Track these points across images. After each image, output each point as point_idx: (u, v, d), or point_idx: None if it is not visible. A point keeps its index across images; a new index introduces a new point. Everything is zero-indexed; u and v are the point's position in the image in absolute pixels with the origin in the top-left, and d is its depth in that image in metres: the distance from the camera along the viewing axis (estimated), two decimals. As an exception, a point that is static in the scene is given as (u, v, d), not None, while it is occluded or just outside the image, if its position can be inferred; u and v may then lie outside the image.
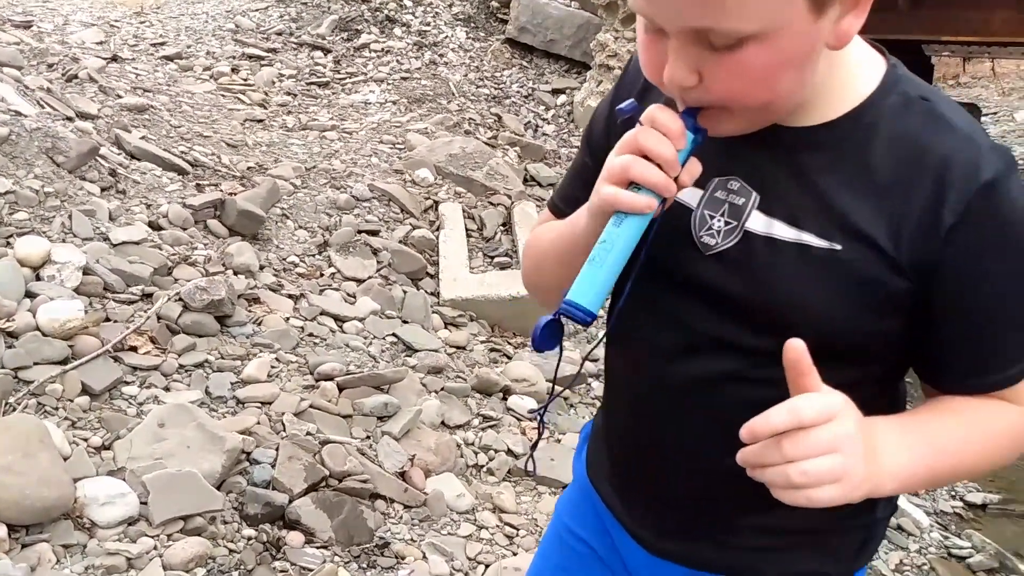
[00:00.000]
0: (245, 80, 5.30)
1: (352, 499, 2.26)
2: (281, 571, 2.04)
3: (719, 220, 0.86)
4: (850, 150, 0.82)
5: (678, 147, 0.80)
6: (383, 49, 5.93)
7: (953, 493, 3.46)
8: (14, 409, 2.12)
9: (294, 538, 2.12)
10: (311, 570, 2.06)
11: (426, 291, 3.57)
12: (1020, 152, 10.31)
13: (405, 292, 3.47)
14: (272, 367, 2.67)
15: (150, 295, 2.72)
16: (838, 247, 0.81)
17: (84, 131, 3.47)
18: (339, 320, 3.13)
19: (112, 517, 1.96)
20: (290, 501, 2.17)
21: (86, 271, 2.63)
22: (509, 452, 2.80)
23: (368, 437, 2.56)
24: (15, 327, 2.31)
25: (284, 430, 2.40)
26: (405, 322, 3.30)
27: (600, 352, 1.06)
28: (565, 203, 1.05)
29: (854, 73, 0.84)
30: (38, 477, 1.88)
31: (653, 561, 1.00)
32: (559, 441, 2.96)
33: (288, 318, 2.99)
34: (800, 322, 0.82)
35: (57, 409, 2.20)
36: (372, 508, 2.32)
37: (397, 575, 2.17)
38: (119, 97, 4.16)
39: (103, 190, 3.20)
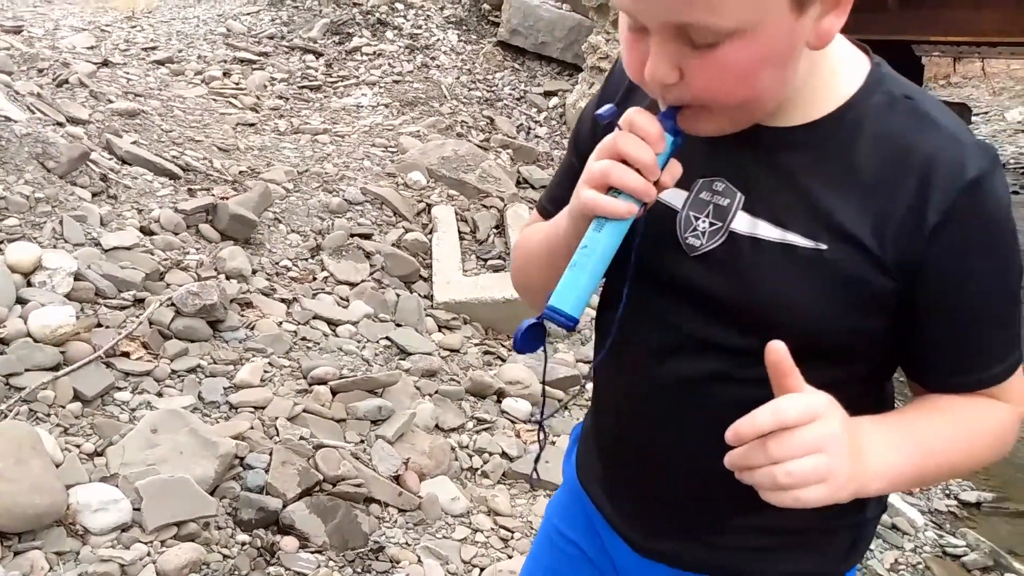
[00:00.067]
0: (237, 84, 5.29)
1: (346, 503, 2.25)
2: (275, 576, 2.03)
3: (704, 221, 0.86)
4: (834, 150, 0.82)
5: (657, 150, 0.80)
6: (375, 52, 5.94)
7: (947, 492, 3.47)
8: (5, 416, 2.11)
9: (288, 543, 2.11)
10: (306, 575, 2.05)
11: (419, 294, 3.57)
12: (1012, 151, 10.36)
13: (398, 295, 3.47)
14: (265, 371, 2.67)
15: (142, 300, 2.71)
16: (823, 247, 0.81)
17: (75, 136, 3.46)
18: (332, 324, 3.13)
19: (105, 524, 1.95)
20: (284, 506, 2.16)
21: (77, 277, 2.62)
22: (503, 455, 2.79)
23: (362, 441, 2.55)
24: (6, 333, 2.30)
25: (277, 435, 2.39)
26: (398, 325, 3.29)
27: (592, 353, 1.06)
28: (553, 204, 1.05)
29: (837, 72, 0.84)
30: (30, 484, 1.87)
31: (642, 562, 1.00)
32: (553, 443, 2.95)
33: (281, 322, 2.98)
34: (785, 322, 0.82)
35: (49, 415, 2.19)
36: (366, 512, 2.31)
37: (392, 579, 2.17)
38: (110, 102, 4.15)
39: (94, 195, 3.19)
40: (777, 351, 0.73)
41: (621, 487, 1.02)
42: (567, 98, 5.77)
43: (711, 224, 0.86)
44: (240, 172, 3.92)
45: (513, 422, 3.00)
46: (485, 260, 3.99)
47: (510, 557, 2.36)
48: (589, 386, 1.10)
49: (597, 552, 1.07)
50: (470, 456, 2.76)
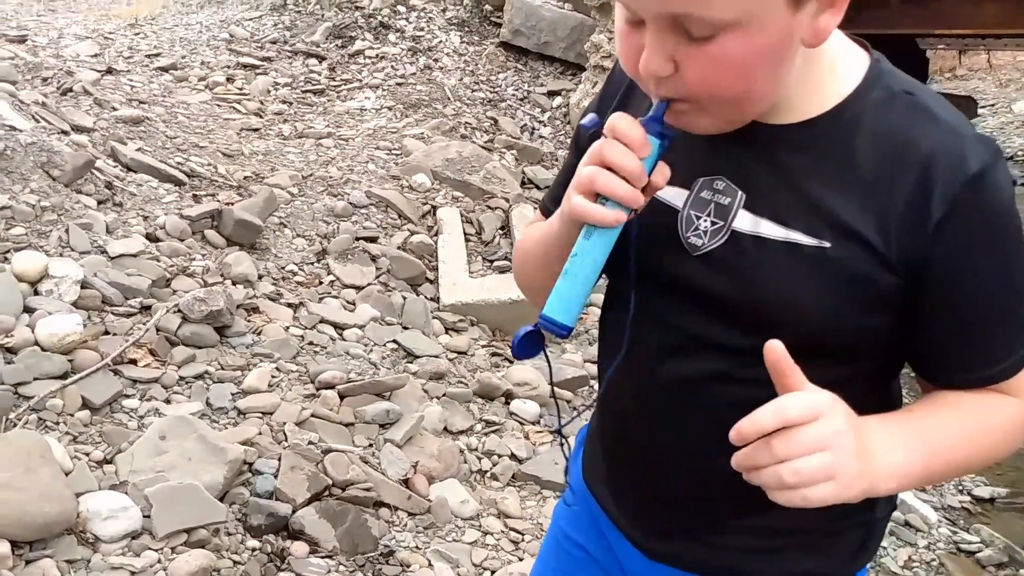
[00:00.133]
0: (240, 89, 5.30)
1: (356, 508, 2.25)
2: (286, 582, 2.03)
3: (705, 220, 0.86)
4: (834, 147, 0.82)
5: (641, 155, 0.79)
6: (378, 55, 5.94)
7: (960, 488, 3.45)
8: (14, 425, 2.11)
9: (298, 548, 2.11)
10: (316, 580, 2.05)
11: (426, 296, 3.56)
12: (1019, 143, 10.31)
13: (405, 298, 3.46)
14: (272, 377, 2.66)
15: (149, 307, 2.71)
16: (827, 244, 0.80)
17: (80, 144, 3.47)
18: (339, 328, 3.12)
19: (115, 531, 1.95)
20: (293, 511, 2.16)
21: (84, 285, 2.62)
22: (512, 457, 2.79)
23: (370, 445, 2.55)
24: (14, 343, 2.30)
25: (286, 440, 2.39)
26: (405, 328, 3.29)
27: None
28: (555, 204, 1.05)
29: (837, 69, 0.83)
30: (40, 493, 1.87)
31: (649, 564, 1.00)
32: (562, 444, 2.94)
33: (288, 327, 2.98)
34: (789, 320, 0.81)
35: (58, 424, 2.20)
36: (376, 516, 2.31)
37: (403, 583, 2.16)
38: (114, 109, 4.16)
39: (100, 203, 3.20)
40: (775, 350, 0.73)
41: (625, 488, 1.02)
42: (570, 98, 5.76)
43: (712, 223, 0.85)
44: (245, 177, 3.92)
45: (522, 424, 3.00)
46: (491, 261, 3.98)
47: (520, 559, 2.36)
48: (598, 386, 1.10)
49: (604, 554, 1.07)
50: (479, 458, 2.75)
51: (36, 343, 2.34)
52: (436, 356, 3.14)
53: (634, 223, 0.82)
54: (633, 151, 0.79)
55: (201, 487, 2.05)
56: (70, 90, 4.17)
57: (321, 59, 5.91)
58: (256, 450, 2.29)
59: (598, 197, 0.80)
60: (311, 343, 2.96)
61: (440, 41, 6.22)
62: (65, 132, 3.55)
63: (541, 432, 2.98)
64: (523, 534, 2.48)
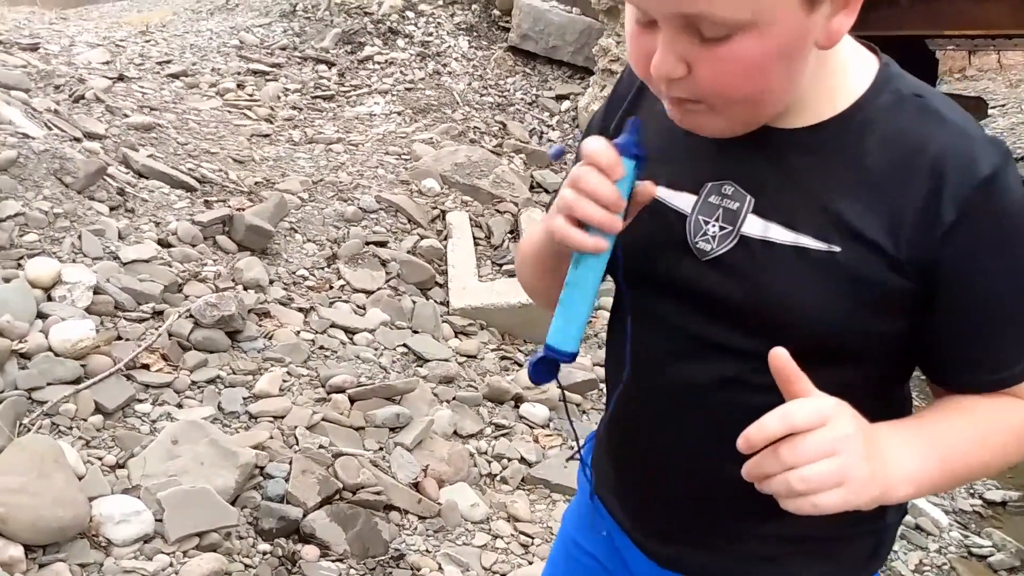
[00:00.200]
0: (251, 96, 5.33)
1: (366, 511, 2.26)
2: (297, 585, 2.04)
3: (714, 225, 0.85)
4: (844, 150, 0.82)
5: (614, 178, 0.80)
6: (387, 61, 5.96)
7: (972, 491, 3.43)
8: (28, 430, 2.13)
9: (309, 552, 2.12)
10: (327, 584, 2.06)
11: (435, 301, 3.57)
12: (1032, 145, 10.23)
13: (414, 302, 3.48)
14: (284, 381, 2.68)
15: (161, 312, 2.73)
16: (837, 249, 0.80)
17: (92, 151, 3.50)
18: (349, 332, 3.14)
19: (128, 535, 1.96)
20: (304, 515, 2.17)
21: (97, 290, 2.64)
22: (522, 460, 2.79)
23: (381, 448, 2.56)
24: (28, 348, 2.32)
25: (297, 444, 2.40)
26: (415, 332, 3.30)
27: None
28: None
29: (846, 73, 0.83)
30: (53, 497, 1.89)
31: (658, 571, 1.00)
32: (572, 448, 2.95)
33: (299, 331, 2.99)
34: (798, 325, 0.81)
35: (71, 429, 2.21)
36: (386, 520, 2.31)
37: (413, 586, 2.17)
38: (126, 116, 4.19)
39: (112, 209, 3.22)
40: (780, 357, 0.73)
41: (633, 494, 1.02)
42: (579, 101, 5.77)
43: (721, 228, 0.85)
44: (256, 183, 3.94)
45: (531, 427, 3.00)
46: (500, 265, 3.99)
47: (530, 563, 2.36)
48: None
49: (614, 562, 1.07)
50: (489, 462, 2.76)
51: (49, 349, 2.36)
52: (446, 360, 3.15)
53: (618, 246, 0.83)
54: (607, 175, 0.79)
55: (213, 491, 2.07)
56: (82, 97, 4.20)
57: (331, 65, 5.94)
58: (267, 454, 2.30)
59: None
60: (322, 347, 2.97)
61: (449, 46, 6.24)
62: (77, 139, 3.58)
63: (551, 436, 2.98)
64: (533, 537, 2.48)
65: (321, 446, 2.41)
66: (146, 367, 2.51)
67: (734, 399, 0.87)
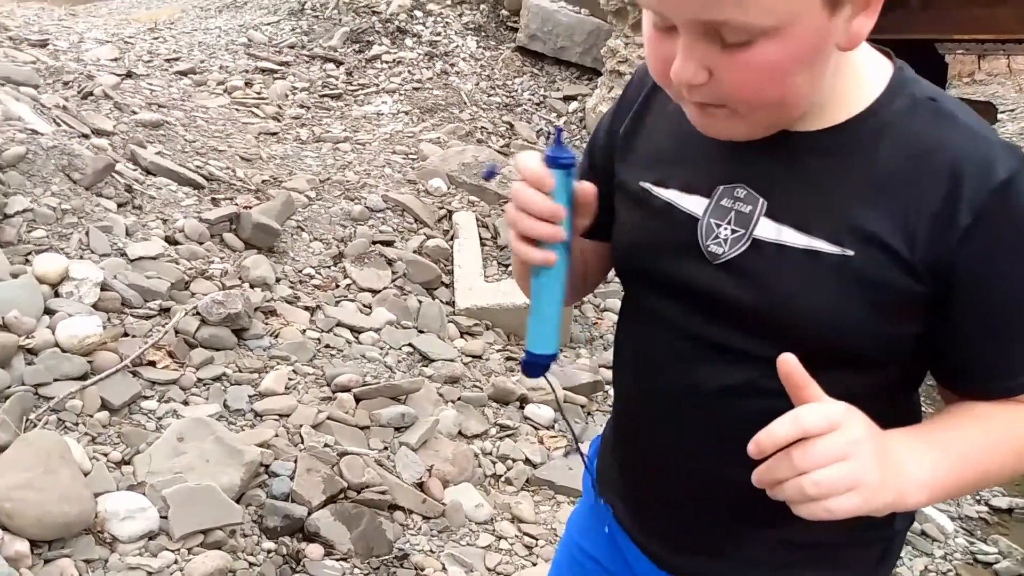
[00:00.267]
0: (259, 94, 5.33)
1: (371, 511, 2.26)
2: (301, 584, 2.04)
3: (726, 228, 0.85)
4: (858, 153, 0.81)
5: (545, 190, 0.82)
6: (394, 60, 5.96)
7: (978, 498, 3.42)
8: (35, 425, 2.14)
9: (313, 551, 2.12)
10: (331, 583, 2.06)
11: (441, 300, 3.57)
12: (1038, 149, 10.17)
13: (420, 302, 3.48)
14: (289, 379, 2.68)
15: (167, 310, 2.74)
16: (850, 252, 0.80)
17: (100, 148, 3.50)
18: (355, 331, 3.14)
19: (133, 532, 1.96)
20: (309, 513, 2.17)
21: (104, 287, 2.65)
22: (527, 461, 2.79)
23: (386, 448, 2.56)
24: (35, 344, 2.33)
25: (302, 442, 2.41)
26: (421, 332, 3.30)
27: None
28: None
29: (861, 76, 0.83)
30: (59, 493, 1.89)
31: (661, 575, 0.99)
32: (577, 450, 2.95)
33: (304, 330, 3.00)
34: (811, 330, 0.81)
35: (77, 425, 2.22)
36: (391, 519, 2.31)
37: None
38: (134, 113, 4.20)
39: (120, 206, 3.23)
40: (788, 363, 0.72)
41: (641, 499, 1.01)
42: (587, 102, 5.77)
43: (733, 231, 0.84)
44: (263, 181, 3.95)
45: (536, 428, 3.00)
46: (506, 266, 3.99)
47: (534, 564, 2.36)
48: (612, 391, 1.10)
49: (617, 564, 1.06)
50: (493, 463, 2.76)
51: (56, 345, 2.36)
52: (451, 360, 3.15)
53: (566, 251, 0.85)
54: (538, 187, 0.81)
55: (218, 488, 2.07)
56: (91, 94, 4.21)
57: (338, 64, 5.94)
58: (273, 452, 2.30)
59: None
60: (327, 346, 2.97)
61: (457, 46, 6.24)
62: (86, 136, 3.59)
63: (555, 437, 2.98)
64: (537, 539, 2.48)
65: (326, 445, 2.41)
66: (152, 364, 2.51)
67: (742, 404, 0.86)
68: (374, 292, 3.46)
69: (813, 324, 0.81)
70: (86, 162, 3.21)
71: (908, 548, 2.93)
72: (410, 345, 3.16)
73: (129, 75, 4.90)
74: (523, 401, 3.09)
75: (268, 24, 6.50)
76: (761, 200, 0.84)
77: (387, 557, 2.20)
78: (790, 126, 0.82)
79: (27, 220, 2.83)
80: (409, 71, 5.84)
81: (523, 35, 6.31)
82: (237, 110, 4.95)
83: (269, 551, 2.07)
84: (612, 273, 1.04)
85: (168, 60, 5.57)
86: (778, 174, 0.84)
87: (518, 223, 0.84)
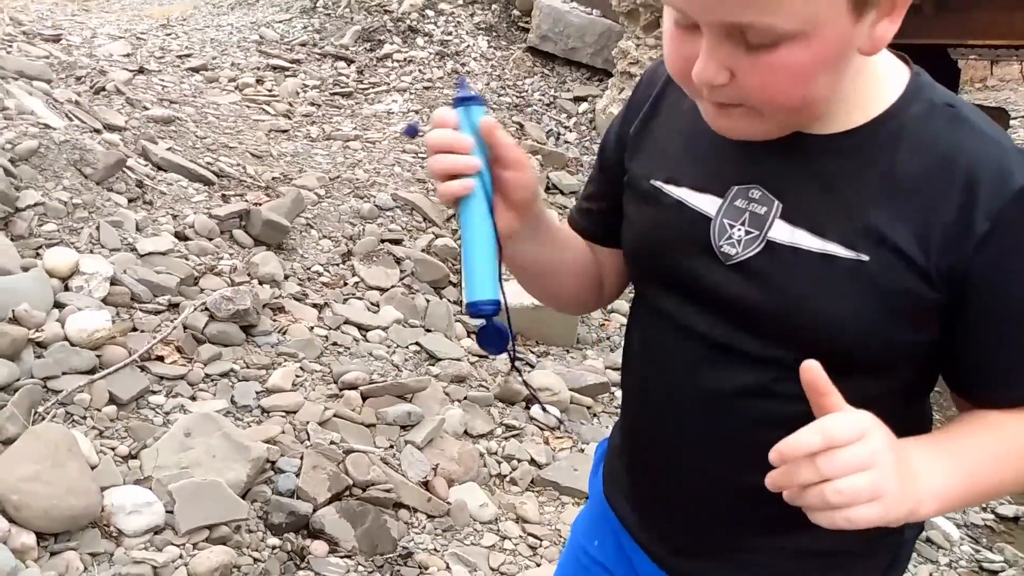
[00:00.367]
0: (270, 91, 5.35)
1: (376, 508, 2.26)
2: (305, 581, 2.04)
3: (739, 229, 0.84)
4: (875, 157, 0.81)
5: (448, 126, 0.86)
6: (405, 59, 5.97)
7: (984, 505, 3.40)
8: (43, 418, 2.15)
9: (318, 547, 2.13)
10: (335, 580, 2.06)
11: (449, 300, 3.57)
12: (1050, 156, 10.11)
13: (428, 301, 3.48)
14: (296, 376, 2.69)
15: (176, 305, 2.75)
16: (865, 257, 0.79)
17: (111, 143, 3.52)
18: (363, 329, 3.14)
19: (138, 526, 1.97)
20: (314, 510, 2.18)
21: (113, 281, 2.66)
22: (532, 462, 2.79)
23: (391, 446, 2.56)
24: (44, 337, 2.34)
25: (308, 439, 2.41)
26: (428, 331, 3.30)
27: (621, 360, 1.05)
28: (580, 215, 1.07)
29: (878, 80, 0.83)
30: (66, 486, 1.90)
31: None
32: (582, 451, 2.94)
33: (312, 327, 3.00)
34: (822, 334, 0.80)
35: (85, 418, 2.23)
36: (395, 518, 2.32)
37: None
38: (146, 109, 4.21)
39: (130, 201, 3.24)
40: (812, 370, 0.71)
41: (648, 503, 1.00)
42: (597, 104, 5.76)
43: (747, 232, 0.84)
44: (273, 178, 3.96)
45: (542, 429, 3.00)
46: (514, 266, 3.99)
47: (538, 565, 2.36)
48: (620, 393, 1.09)
49: (624, 572, 1.05)
50: (499, 463, 2.76)
51: (65, 338, 2.37)
52: (458, 359, 3.15)
53: (484, 186, 0.86)
54: (445, 126, 0.85)
55: (224, 484, 2.08)
56: (103, 89, 4.23)
57: (349, 62, 5.95)
58: (279, 448, 2.31)
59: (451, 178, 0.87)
60: (335, 344, 2.98)
61: (468, 45, 6.24)
62: (97, 131, 3.60)
63: (561, 438, 2.98)
64: (541, 540, 2.48)
65: (332, 442, 2.41)
66: (160, 359, 2.52)
67: (750, 407, 0.86)
68: (382, 290, 3.46)
69: (825, 328, 0.81)
70: (98, 157, 3.22)
71: (913, 555, 2.92)
72: (417, 344, 3.16)
73: (141, 71, 4.92)
74: (529, 402, 3.09)
75: (280, 22, 6.52)
76: (776, 202, 0.83)
77: (391, 555, 2.20)
78: (806, 128, 0.82)
79: (38, 214, 2.84)
80: (420, 70, 5.85)
81: (534, 35, 6.31)
82: (248, 107, 4.96)
83: (274, 547, 2.08)
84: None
85: (180, 56, 5.59)
86: (793, 176, 0.83)
87: (433, 164, 0.86)
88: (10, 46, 4.50)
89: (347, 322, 3.13)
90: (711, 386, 0.88)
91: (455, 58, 6.06)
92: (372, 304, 3.37)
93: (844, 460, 0.69)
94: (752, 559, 0.93)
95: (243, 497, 2.12)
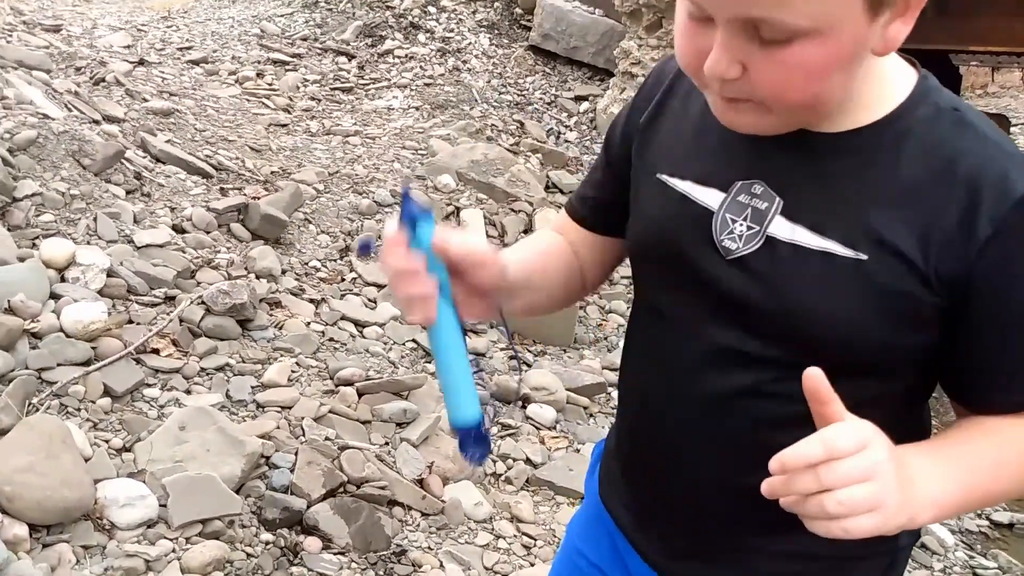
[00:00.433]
0: (270, 85, 5.34)
1: (370, 505, 2.26)
2: (298, 577, 2.04)
3: (741, 224, 0.84)
4: (879, 158, 0.81)
5: (400, 245, 0.81)
6: (407, 55, 5.96)
7: (979, 512, 3.40)
8: (37, 410, 2.14)
9: (311, 544, 2.12)
10: (328, 576, 2.05)
11: (446, 298, 3.56)
12: (1049, 164, 10.12)
13: (425, 298, 3.47)
14: (292, 371, 2.68)
15: (173, 298, 2.74)
16: (864, 257, 0.79)
17: (110, 134, 3.51)
18: (359, 325, 3.14)
19: (131, 519, 1.96)
20: (308, 506, 2.17)
21: (110, 273, 2.65)
22: (527, 461, 2.78)
23: (387, 443, 2.56)
24: (39, 328, 2.33)
25: (303, 435, 2.40)
26: (424, 328, 3.29)
27: (619, 361, 1.05)
28: (580, 202, 1.07)
29: (887, 82, 0.83)
30: (60, 478, 1.89)
31: None
32: (578, 451, 2.94)
33: (309, 323, 3.00)
34: (819, 333, 0.80)
35: (79, 410, 2.22)
36: (390, 515, 2.31)
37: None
38: (145, 101, 4.20)
39: (128, 193, 3.23)
40: (814, 378, 0.71)
41: (644, 505, 1.00)
42: (598, 103, 5.75)
43: (748, 228, 0.84)
44: (272, 172, 3.95)
45: (538, 428, 2.99)
46: (513, 264, 3.98)
47: (532, 565, 2.35)
48: (615, 393, 1.09)
49: (618, 570, 1.05)
50: (494, 462, 2.75)
51: (61, 329, 2.36)
52: (455, 357, 3.14)
53: (446, 297, 0.83)
54: (397, 249, 0.80)
55: (218, 479, 2.07)
56: (102, 80, 4.22)
57: (351, 57, 5.94)
58: (274, 444, 2.30)
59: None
60: (331, 339, 2.97)
61: (469, 43, 6.23)
62: (96, 122, 3.59)
63: (557, 438, 2.97)
64: (535, 539, 2.47)
65: (327, 438, 2.41)
66: (156, 352, 2.51)
67: (751, 408, 0.85)
68: (379, 287, 3.45)
69: (822, 327, 0.80)
70: (96, 148, 3.21)
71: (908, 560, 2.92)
72: (414, 341, 3.15)
73: (141, 62, 4.91)
74: (525, 401, 3.08)
75: (282, 16, 6.50)
76: (777, 199, 0.83)
77: (385, 552, 2.20)
78: (812, 125, 0.82)
79: (35, 204, 2.83)
80: (421, 67, 5.84)
81: (536, 34, 6.30)
82: (248, 100, 4.95)
83: (267, 543, 2.07)
84: (617, 275, 1.03)
85: (180, 48, 5.58)
86: (796, 173, 0.83)
87: (396, 292, 0.83)
88: (10, 35, 4.49)
89: (344, 318, 3.13)
90: (711, 386, 0.87)
91: (456, 55, 6.05)
92: (369, 300, 3.36)
93: (845, 471, 0.69)
94: (751, 560, 0.93)
95: (237, 492, 2.12)
